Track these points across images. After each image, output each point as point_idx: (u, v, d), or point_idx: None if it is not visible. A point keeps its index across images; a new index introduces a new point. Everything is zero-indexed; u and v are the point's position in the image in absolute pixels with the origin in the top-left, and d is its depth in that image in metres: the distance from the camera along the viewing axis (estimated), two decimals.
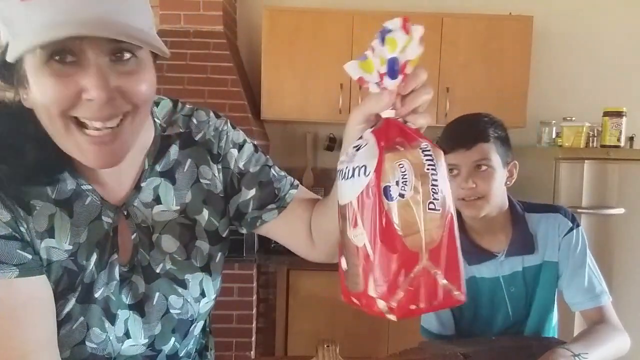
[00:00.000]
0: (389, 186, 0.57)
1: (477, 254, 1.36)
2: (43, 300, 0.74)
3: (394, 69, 0.60)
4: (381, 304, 0.57)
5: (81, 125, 0.67)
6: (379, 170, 0.57)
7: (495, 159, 1.29)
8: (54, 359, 0.75)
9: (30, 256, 0.72)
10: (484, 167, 1.28)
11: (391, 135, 0.60)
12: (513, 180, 1.36)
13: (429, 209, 0.58)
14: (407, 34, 0.59)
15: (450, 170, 1.29)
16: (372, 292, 0.57)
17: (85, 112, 0.66)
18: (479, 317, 1.41)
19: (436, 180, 0.59)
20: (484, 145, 1.28)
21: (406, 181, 0.57)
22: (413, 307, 0.57)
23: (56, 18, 0.61)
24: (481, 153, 1.27)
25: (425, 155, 0.59)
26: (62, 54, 0.63)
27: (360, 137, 0.63)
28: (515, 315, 1.38)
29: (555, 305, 1.42)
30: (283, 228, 0.93)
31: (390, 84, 0.61)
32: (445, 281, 0.58)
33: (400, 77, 0.60)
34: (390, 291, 0.57)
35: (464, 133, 1.30)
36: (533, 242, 1.35)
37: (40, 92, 0.65)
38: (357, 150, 0.61)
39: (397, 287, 0.57)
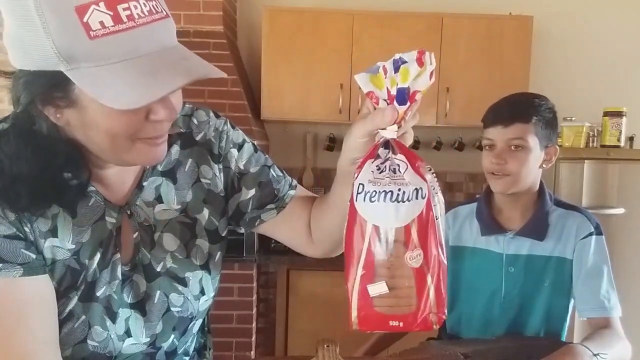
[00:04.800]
0: (434, 206, 0.62)
1: (491, 226, 1.40)
2: (46, 300, 0.74)
3: (403, 97, 0.63)
4: (434, 318, 0.62)
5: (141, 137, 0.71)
6: (429, 191, 0.62)
7: (533, 141, 1.31)
8: (57, 357, 0.75)
9: (34, 255, 0.73)
10: (518, 147, 1.31)
11: (409, 156, 0.64)
12: (550, 164, 1.38)
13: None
14: (420, 66, 0.62)
15: (488, 145, 1.35)
16: (432, 308, 0.61)
17: (151, 131, 0.70)
18: (471, 286, 1.43)
19: (437, 205, 0.63)
20: (522, 126, 1.31)
21: (437, 203, 0.63)
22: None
23: (128, 55, 0.63)
24: (517, 133, 1.30)
25: (434, 176, 0.64)
26: None
27: (378, 157, 0.65)
28: (507, 298, 1.38)
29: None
30: (281, 227, 0.94)
31: (398, 108, 0.64)
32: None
33: (408, 104, 0.64)
34: (443, 303, 0.62)
35: (505, 110, 1.34)
36: (546, 230, 1.36)
37: (108, 119, 0.66)
38: (393, 172, 0.63)
39: (445, 298, 0.62)
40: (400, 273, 0.61)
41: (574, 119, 2.82)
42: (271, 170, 0.94)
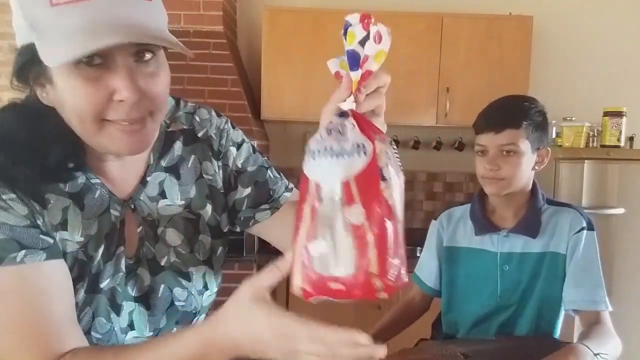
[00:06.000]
0: (382, 168, 0.59)
1: (484, 225, 1.42)
2: (69, 282, 0.76)
3: (353, 61, 0.63)
4: (378, 283, 0.57)
5: (110, 120, 0.70)
6: (374, 151, 0.59)
7: (524, 145, 1.33)
8: (82, 336, 0.76)
9: (52, 240, 0.74)
10: (510, 152, 1.32)
11: (363, 124, 0.62)
12: (542, 166, 1.39)
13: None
14: (365, 30, 0.61)
15: (480, 150, 1.37)
16: (373, 269, 0.56)
17: (115, 113, 0.69)
18: (467, 286, 1.44)
19: (390, 171, 0.61)
20: (513, 131, 1.32)
21: (387, 166, 0.60)
22: (397, 282, 0.58)
23: (88, 23, 0.63)
24: (509, 138, 1.32)
25: (394, 149, 0.63)
26: (91, 56, 0.65)
27: (331, 123, 0.64)
28: (503, 297, 1.39)
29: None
30: (274, 229, 0.96)
31: (352, 75, 0.64)
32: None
33: (359, 70, 0.63)
34: (387, 268, 0.57)
35: (495, 117, 1.35)
36: (538, 227, 1.37)
37: (73, 96, 0.68)
38: (339, 133, 0.62)
39: (390, 263, 0.57)
40: (338, 231, 0.58)
41: (574, 119, 2.82)
42: (268, 171, 0.96)
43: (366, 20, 0.61)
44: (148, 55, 0.70)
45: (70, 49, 0.62)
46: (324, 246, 0.58)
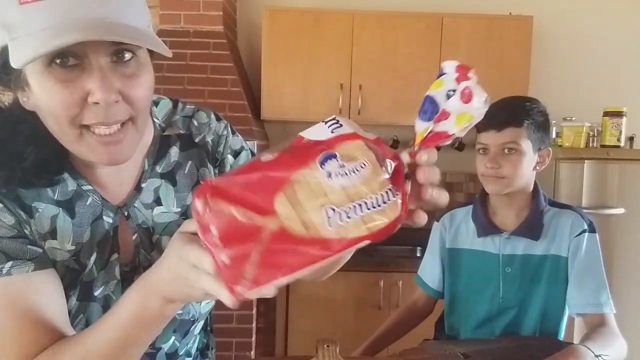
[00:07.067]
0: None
1: (486, 227, 1.42)
2: (59, 290, 0.75)
3: (427, 107, 0.52)
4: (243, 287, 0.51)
5: (88, 127, 0.68)
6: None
7: (526, 144, 1.33)
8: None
9: (40, 250, 0.73)
10: (511, 150, 1.32)
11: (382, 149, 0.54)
12: (544, 166, 1.40)
13: None
14: (457, 81, 0.52)
15: (482, 149, 1.37)
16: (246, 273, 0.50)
17: (91, 116, 0.66)
18: (470, 288, 1.44)
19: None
20: (515, 130, 1.32)
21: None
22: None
23: (57, 22, 0.61)
24: (510, 136, 1.32)
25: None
26: (64, 56, 0.63)
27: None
28: (505, 298, 1.39)
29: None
30: None
31: (418, 124, 0.52)
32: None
33: (430, 123, 0.52)
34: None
35: (498, 115, 1.35)
36: (540, 230, 1.37)
37: (46, 99, 0.65)
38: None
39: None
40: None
41: (574, 119, 2.82)
42: None
43: (462, 71, 0.51)
44: (127, 56, 0.67)
45: (33, 47, 0.60)
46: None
